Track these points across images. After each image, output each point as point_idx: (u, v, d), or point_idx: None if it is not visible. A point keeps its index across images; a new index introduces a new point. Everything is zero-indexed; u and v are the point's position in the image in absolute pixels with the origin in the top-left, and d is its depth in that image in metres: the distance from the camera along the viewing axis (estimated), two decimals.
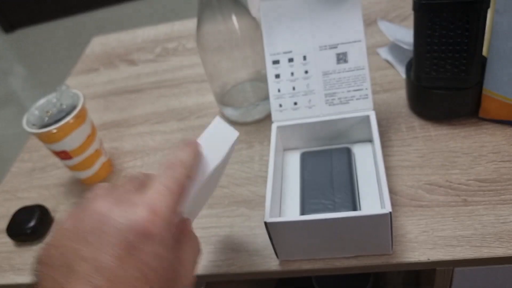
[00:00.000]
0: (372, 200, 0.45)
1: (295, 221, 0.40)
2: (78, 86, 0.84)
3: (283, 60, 0.52)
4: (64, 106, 0.56)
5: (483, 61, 0.50)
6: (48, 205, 0.59)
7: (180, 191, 0.30)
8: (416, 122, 0.56)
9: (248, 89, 0.65)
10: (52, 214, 0.58)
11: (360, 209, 0.44)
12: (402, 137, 0.54)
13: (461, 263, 0.41)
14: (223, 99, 0.65)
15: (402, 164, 0.51)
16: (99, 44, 0.96)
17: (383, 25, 0.70)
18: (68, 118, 0.54)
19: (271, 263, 0.45)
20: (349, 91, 0.50)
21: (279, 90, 0.52)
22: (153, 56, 0.86)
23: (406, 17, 0.75)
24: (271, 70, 0.52)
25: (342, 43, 0.50)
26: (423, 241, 0.43)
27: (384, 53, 0.68)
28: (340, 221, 0.39)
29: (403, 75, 0.64)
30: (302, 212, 0.45)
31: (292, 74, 0.51)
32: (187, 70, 0.79)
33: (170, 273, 0.27)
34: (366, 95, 0.50)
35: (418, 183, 0.48)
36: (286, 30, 0.51)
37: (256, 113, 0.63)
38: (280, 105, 0.52)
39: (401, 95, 0.60)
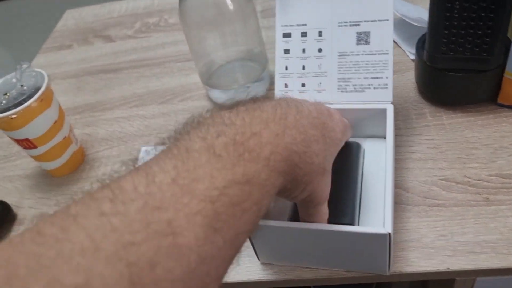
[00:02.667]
0: (376, 209, 0.39)
1: (280, 227, 0.34)
2: (47, 65, 0.75)
3: (296, 34, 0.45)
4: (25, 88, 0.48)
5: (506, 42, 0.44)
6: (11, 200, 0.52)
7: None
8: (427, 108, 0.50)
9: (238, 70, 0.59)
10: (15, 210, 0.51)
11: (359, 219, 0.38)
12: (411, 125, 0.48)
13: (485, 273, 0.36)
14: (210, 80, 0.58)
15: (412, 157, 0.45)
16: (72, 18, 0.87)
17: None
18: (30, 102, 0.46)
19: (267, 271, 0.39)
20: (366, 78, 0.43)
21: (286, 68, 0.45)
22: (132, 32, 0.78)
23: None
24: (280, 44, 0.45)
25: (366, 21, 0.42)
26: (441, 247, 0.37)
27: None
28: (330, 234, 0.33)
29: (410, 55, 0.57)
30: (293, 212, 0.38)
31: (303, 51, 0.44)
32: (170, 48, 0.72)
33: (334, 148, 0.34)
34: (386, 84, 0.43)
35: (432, 179, 0.43)
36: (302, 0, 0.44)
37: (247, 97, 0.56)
38: (286, 85, 0.45)
39: (408, 77, 0.54)
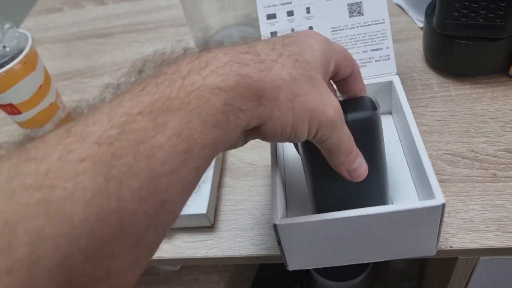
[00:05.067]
0: (402, 185, 0.35)
1: (318, 221, 0.29)
2: (36, 29, 0.72)
3: (281, 13, 0.41)
4: (8, 49, 0.45)
5: None
6: None
7: None
8: (434, 79, 0.47)
9: (235, 35, 0.56)
10: None
11: (391, 197, 0.34)
12: (417, 97, 0.46)
13: (489, 252, 0.34)
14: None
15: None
16: None
17: None
18: (12, 64, 0.44)
19: (260, 246, 0.37)
20: (365, 51, 0.40)
21: None
22: None
23: None
24: (265, 27, 0.42)
25: None
26: (444, 224, 0.35)
27: None
28: (372, 219, 0.29)
29: (418, 22, 0.54)
30: (317, 205, 0.32)
31: (292, 31, 0.41)
32: (164, 12, 0.68)
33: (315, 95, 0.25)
34: (388, 55, 0.40)
35: (437, 153, 0.40)
36: None
37: None
38: None
39: (415, 46, 0.51)
